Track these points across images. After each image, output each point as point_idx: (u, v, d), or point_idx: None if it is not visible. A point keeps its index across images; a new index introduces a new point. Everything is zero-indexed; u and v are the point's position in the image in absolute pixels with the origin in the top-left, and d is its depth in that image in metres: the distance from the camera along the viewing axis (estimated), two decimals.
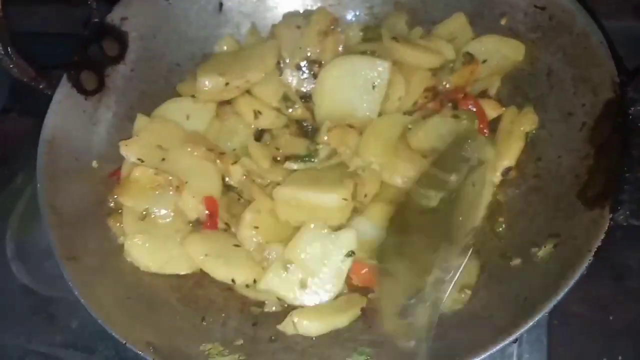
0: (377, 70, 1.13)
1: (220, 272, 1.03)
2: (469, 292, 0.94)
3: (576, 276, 0.80)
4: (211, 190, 1.09)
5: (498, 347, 0.80)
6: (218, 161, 1.12)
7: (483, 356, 0.80)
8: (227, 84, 1.16)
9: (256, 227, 1.04)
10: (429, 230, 0.99)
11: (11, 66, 0.97)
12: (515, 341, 0.94)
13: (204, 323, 0.99)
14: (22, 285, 1.24)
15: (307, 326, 0.97)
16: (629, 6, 1.27)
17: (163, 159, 1.10)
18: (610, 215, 0.81)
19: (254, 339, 0.97)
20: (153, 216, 1.06)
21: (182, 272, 1.05)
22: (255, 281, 1.03)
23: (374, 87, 1.14)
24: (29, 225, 1.31)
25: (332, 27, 1.23)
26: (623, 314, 1.03)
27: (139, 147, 1.10)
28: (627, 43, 1.02)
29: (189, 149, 1.11)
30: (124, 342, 0.85)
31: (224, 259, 1.03)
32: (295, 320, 0.97)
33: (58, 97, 1.05)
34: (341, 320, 0.97)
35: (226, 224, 1.10)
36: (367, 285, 1.03)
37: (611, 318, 1.03)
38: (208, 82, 1.16)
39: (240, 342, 0.96)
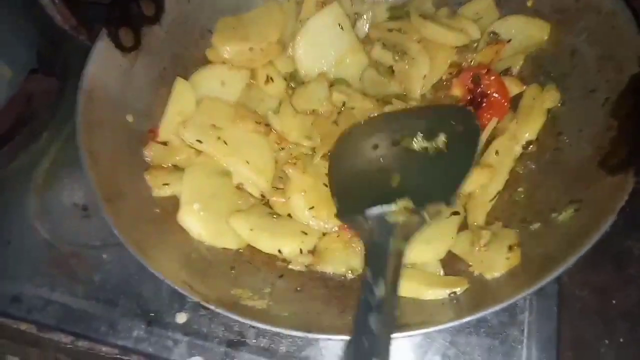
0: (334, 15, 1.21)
1: (267, 244, 1.05)
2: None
3: (599, 234, 0.82)
4: (266, 163, 1.12)
5: (518, 297, 0.83)
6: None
7: (503, 305, 0.83)
8: (251, 48, 1.20)
9: (304, 191, 1.06)
10: None
11: (55, 12, 0.98)
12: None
13: (233, 272, 1.01)
14: (44, 239, 1.25)
15: None
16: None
17: (218, 138, 1.11)
18: (635, 179, 0.83)
19: (280, 289, 1.00)
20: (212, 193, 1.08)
21: (232, 247, 1.07)
22: (301, 251, 1.05)
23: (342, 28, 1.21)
24: (52, 184, 1.33)
25: None
26: (624, 299, 1.07)
27: (196, 128, 1.12)
28: None
29: (240, 125, 1.13)
30: (163, 278, 0.87)
31: (269, 232, 1.05)
32: None
33: (97, 49, 1.07)
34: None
35: (262, 195, 1.12)
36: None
37: (614, 302, 1.07)
38: (230, 49, 1.21)
39: (268, 290, 0.98)
